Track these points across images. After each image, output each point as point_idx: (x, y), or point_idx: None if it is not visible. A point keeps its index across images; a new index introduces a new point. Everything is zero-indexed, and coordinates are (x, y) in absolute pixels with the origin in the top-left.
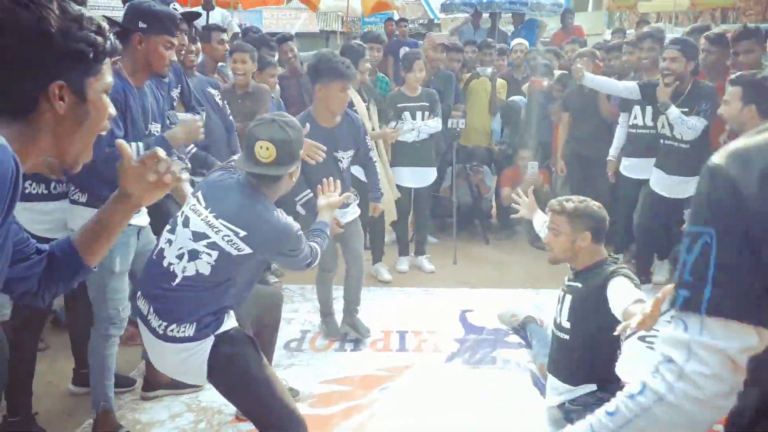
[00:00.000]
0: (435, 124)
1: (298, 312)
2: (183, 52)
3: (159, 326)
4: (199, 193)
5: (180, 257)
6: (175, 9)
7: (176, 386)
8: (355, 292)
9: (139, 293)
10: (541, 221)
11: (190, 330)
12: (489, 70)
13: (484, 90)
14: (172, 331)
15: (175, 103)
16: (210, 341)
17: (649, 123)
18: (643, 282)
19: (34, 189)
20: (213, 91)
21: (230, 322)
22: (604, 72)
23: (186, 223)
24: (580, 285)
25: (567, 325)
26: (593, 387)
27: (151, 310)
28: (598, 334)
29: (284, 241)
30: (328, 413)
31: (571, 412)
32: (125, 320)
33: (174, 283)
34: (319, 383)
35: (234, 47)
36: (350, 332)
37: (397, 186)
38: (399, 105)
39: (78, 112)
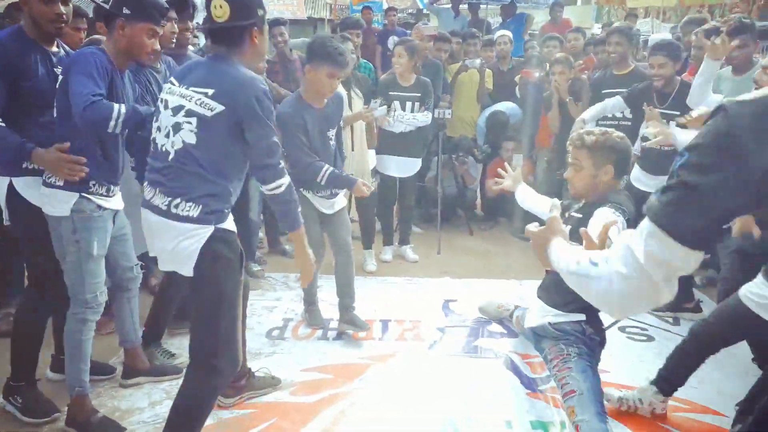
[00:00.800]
0: (424, 118)
1: (281, 300)
2: (176, 35)
3: (163, 203)
4: (172, 78)
5: (167, 135)
6: None
7: (156, 373)
8: (348, 285)
9: (145, 183)
10: (523, 194)
11: (195, 210)
12: (477, 61)
13: (471, 81)
14: (176, 207)
15: None
16: (209, 230)
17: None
18: None
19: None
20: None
21: (232, 225)
22: (595, 65)
23: (165, 106)
24: (580, 216)
25: None
26: (582, 317)
27: (157, 191)
28: None
29: (250, 90)
30: (310, 401)
31: (545, 336)
32: (102, 305)
33: (170, 159)
34: (301, 371)
35: None
36: (348, 328)
37: (383, 175)
38: (390, 93)
39: None
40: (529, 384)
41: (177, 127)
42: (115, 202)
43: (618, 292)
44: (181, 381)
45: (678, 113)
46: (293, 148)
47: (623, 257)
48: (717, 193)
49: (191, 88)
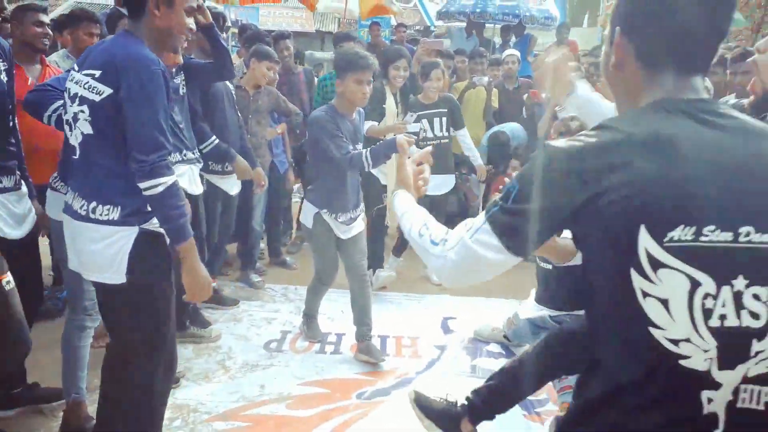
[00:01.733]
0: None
1: (279, 312)
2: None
3: (81, 207)
4: (75, 64)
5: (71, 128)
6: None
7: None
8: (364, 313)
9: (68, 188)
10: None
11: (114, 213)
12: (485, 79)
13: (477, 98)
14: (95, 211)
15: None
16: (134, 231)
17: None
18: None
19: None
20: (229, 85)
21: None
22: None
23: (68, 95)
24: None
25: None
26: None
27: (75, 195)
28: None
29: (135, 69)
30: (306, 415)
31: (544, 327)
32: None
33: (76, 156)
34: (297, 385)
35: (262, 53)
36: (365, 358)
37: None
38: (418, 114)
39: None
40: (527, 406)
41: (75, 118)
42: None
43: (449, 270)
44: (175, 392)
45: None
46: (334, 149)
47: (456, 246)
48: (537, 219)
49: (83, 71)
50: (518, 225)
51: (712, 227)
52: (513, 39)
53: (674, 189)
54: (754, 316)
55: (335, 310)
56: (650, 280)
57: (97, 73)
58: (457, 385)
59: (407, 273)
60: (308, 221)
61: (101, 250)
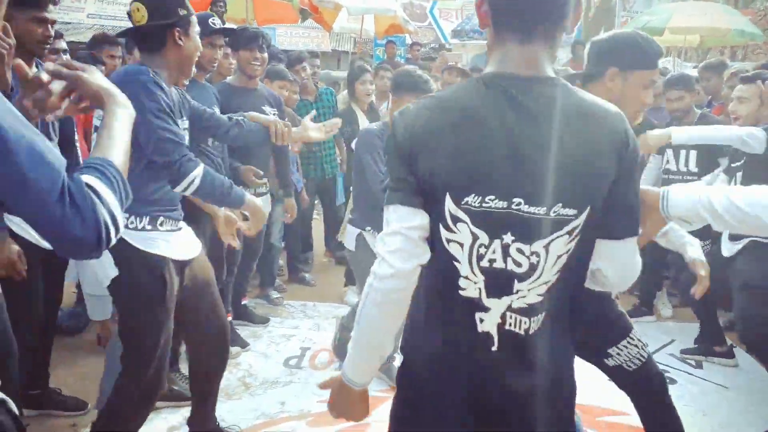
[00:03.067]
0: None
1: (299, 329)
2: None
3: None
4: None
5: None
6: (213, 23)
7: (174, 398)
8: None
9: None
10: None
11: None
12: None
13: None
14: None
15: None
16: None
17: (690, 168)
18: (645, 314)
19: None
20: (268, 109)
21: (153, 242)
22: None
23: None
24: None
25: None
26: None
27: None
28: None
29: (125, 84)
30: None
31: None
32: None
33: None
34: (317, 402)
35: (274, 73)
36: (384, 378)
37: None
38: None
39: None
40: None
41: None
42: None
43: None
44: None
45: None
46: (372, 165)
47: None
48: (406, 191)
49: None
50: (395, 179)
51: (492, 196)
52: None
53: (471, 163)
54: (517, 264)
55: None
56: (451, 230)
57: None
58: None
59: None
60: (351, 244)
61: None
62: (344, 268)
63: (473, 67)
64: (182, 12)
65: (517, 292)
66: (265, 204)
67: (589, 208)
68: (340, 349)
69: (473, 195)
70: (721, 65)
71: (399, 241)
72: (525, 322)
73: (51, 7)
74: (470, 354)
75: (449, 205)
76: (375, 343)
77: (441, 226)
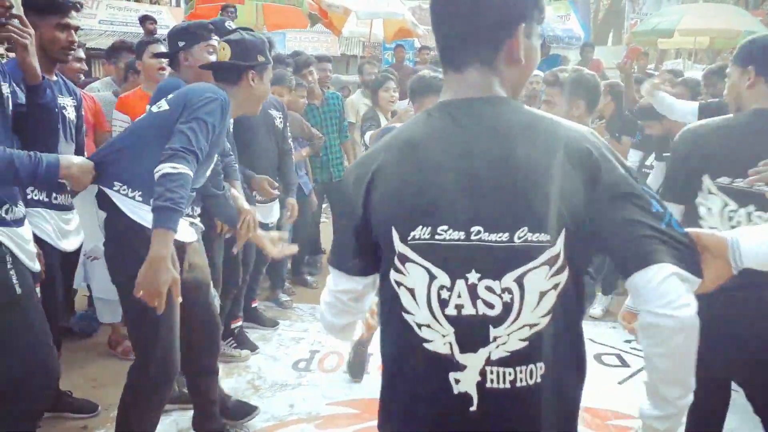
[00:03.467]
0: None
1: (308, 332)
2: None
3: None
4: None
5: None
6: (230, 26)
7: (184, 401)
8: None
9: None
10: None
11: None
12: None
13: None
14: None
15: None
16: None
17: None
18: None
19: (35, 195)
20: (274, 113)
21: (138, 212)
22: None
23: None
24: None
25: None
26: None
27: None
28: None
29: (193, 97)
30: None
31: None
32: None
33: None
34: (326, 405)
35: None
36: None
37: None
38: None
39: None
40: None
41: None
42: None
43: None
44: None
45: None
46: None
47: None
48: (343, 253)
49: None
50: (336, 241)
51: (445, 227)
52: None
53: (416, 194)
54: (489, 305)
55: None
56: (400, 272)
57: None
58: None
59: None
60: None
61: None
62: None
63: None
64: (261, 59)
65: (495, 339)
66: (273, 210)
67: (564, 231)
68: (353, 367)
69: (420, 227)
70: (723, 69)
71: (330, 297)
72: (510, 374)
73: (73, 13)
74: (445, 417)
75: (396, 242)
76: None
77: (392, 269)
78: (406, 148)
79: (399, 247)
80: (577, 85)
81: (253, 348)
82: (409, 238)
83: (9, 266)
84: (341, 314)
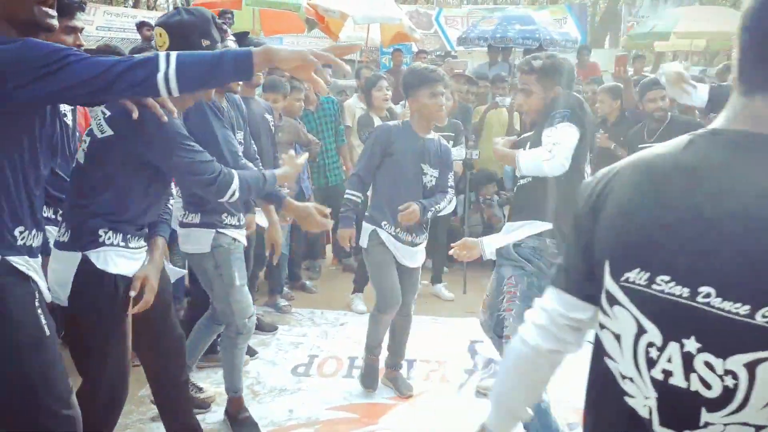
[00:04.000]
0: (458, 153)
1: (306, 337)
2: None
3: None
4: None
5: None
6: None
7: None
8: (401, 347)
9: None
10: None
11: (66, 236)
12: (508, 99)
13: (499, 122)
14: (60, 235)
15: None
16: (76, 257)
17: None
18: None
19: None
20: (269, 117)
21: (115, 261)
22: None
23: None
24: (532, 133)
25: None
26: (536, 222)
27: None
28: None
29: (148, 122)
30: None
31: (508, 260)
32: (251, 330)
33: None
34: (325, 410)
35: (268, 85)
36: (392, 386)
37: None
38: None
39: None
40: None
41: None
42: (242, 236)
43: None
44: (206, 416)
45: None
46: (363, 160)
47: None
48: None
49: (99, 108)
50: (566, 260)
51: (667, 277)
52: None
53: (640, 228)
54: (705, 384)
55: (363, 334)
56: (606, 314)
57: (108, 113)
58: (485, 408)
59: (435, 297)
60: (364, 241)
61: (53, 272)
62: (351, 276)
63: (478, 75)
64: (205, 43)
65: (706, 425)
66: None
67: None
68: (366, 379)
69: (638, 270)
70: (725, 71)
71: (547, 320)
72: None
73: (78, 14)
74: None
75: (607, 279)
76: (505, 400)
77: (600, 307)
78: (649, 172)
79: (609, 285)
80: (553, 70)
81: (251, 353)
82: (622, 278)
83: (37, 304)
84: (551, 340)
